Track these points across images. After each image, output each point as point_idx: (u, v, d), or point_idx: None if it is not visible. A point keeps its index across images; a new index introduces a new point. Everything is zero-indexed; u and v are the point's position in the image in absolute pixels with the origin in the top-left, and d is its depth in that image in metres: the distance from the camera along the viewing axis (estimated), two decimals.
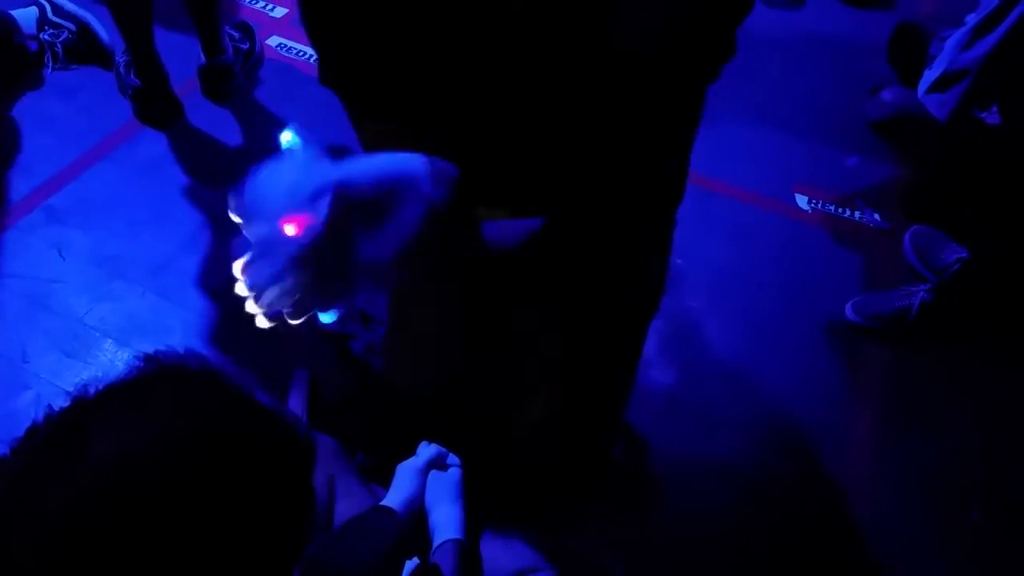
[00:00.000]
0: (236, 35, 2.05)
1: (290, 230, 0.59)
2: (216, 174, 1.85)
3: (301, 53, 2.14)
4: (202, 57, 1.96)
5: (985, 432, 1.55)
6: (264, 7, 2.27)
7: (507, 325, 1.11)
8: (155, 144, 1.90)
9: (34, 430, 0.50)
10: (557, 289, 0.97)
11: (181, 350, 0.57)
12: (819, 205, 1.89)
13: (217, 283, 1.64)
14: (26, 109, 1.93)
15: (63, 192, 1.79)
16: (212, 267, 1.67)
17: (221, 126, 1.95)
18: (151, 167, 1.85)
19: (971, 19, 1.64)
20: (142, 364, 0.54)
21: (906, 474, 1.48)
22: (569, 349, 1.08)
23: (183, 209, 1.77)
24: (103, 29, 2.02)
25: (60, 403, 0.52)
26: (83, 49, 2.02)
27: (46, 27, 2.01)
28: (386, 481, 1.06)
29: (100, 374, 0.53)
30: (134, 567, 0.47)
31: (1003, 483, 1.48)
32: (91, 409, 0.51)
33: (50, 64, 1.99)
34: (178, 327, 1.57)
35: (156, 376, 0.54)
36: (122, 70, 1.95)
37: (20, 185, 1.79)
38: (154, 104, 1.92)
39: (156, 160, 1.87)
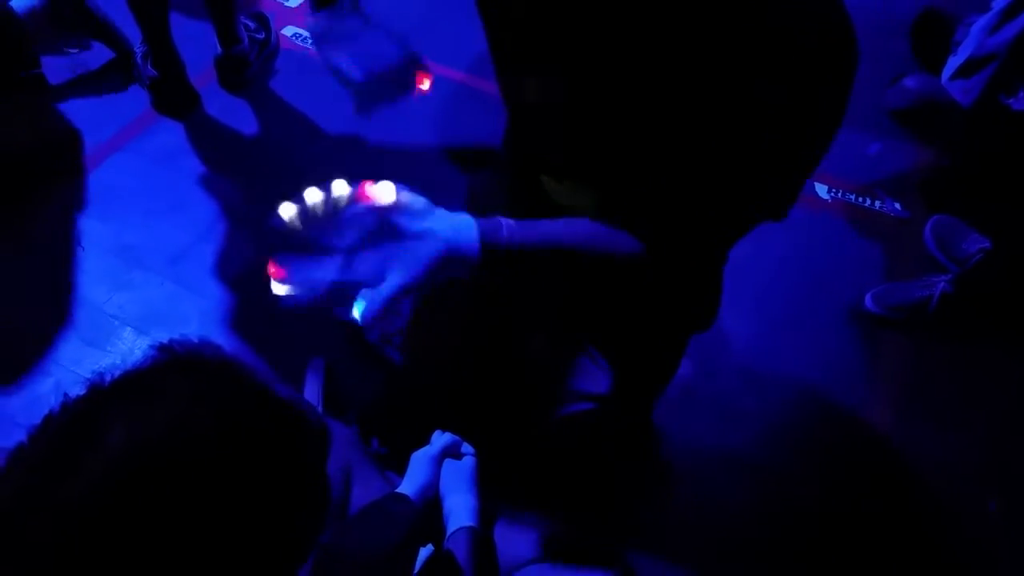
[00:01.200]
0: (252, 25, 2.05)
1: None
2: (232, 163, 1.85)
3: None
4: (218, 47, 1.97)
5: (1004, 423, 1.53)
6: None
7: (535, 328, 1.10)
8: (172, 134, 1.91)
9: (50, 419, 0.51)
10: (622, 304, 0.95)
11: (195, 339, 0.57)
12: (839, 194, 1.86)
13: (234, 272, 1.65)
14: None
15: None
16: (229, 256, 1.68)
17: (237, 116, 1.95)
18: (168, 157, 1.87)
19: (998, 2, 1.60)
20: (156, 353, 0.54)
21: (924, 465, 1.46)
22: (612, 359, 1.07)
23: (200, 198, 1.78)
24: (121, 30, 2.00)
25: (77, 391, 0.52)
26: (99, 44, 2.01)
27: (62, 32, 1.98)
28: (401, 469, 1.07)
29: (119, 362, 0.54)
30: (148, 556, 0.47)
31: (1022, 475, 1.46)
32: (106, 398, 0.51)
33: (71, 71, 1.99)
34: (196, 315, 1.59)
35: (170, 365, 0.54)
36: (139, 60, 1.96)
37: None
38: (171, 94, 1.94)
39: (173, 150, 1.88)
